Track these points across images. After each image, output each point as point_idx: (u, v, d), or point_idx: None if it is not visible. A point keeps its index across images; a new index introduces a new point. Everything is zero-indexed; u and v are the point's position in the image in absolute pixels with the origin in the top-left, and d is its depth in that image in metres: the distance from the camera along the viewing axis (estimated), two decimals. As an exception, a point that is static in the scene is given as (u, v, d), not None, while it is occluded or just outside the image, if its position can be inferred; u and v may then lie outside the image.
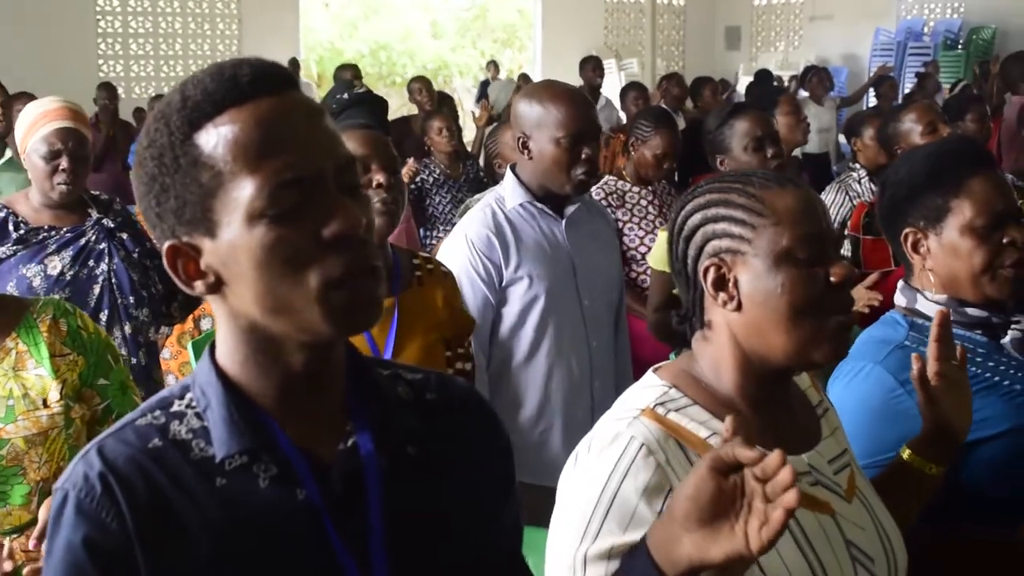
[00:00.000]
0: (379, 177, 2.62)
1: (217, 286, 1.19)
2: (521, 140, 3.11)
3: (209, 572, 1.16)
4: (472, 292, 3.06)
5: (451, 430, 1.36)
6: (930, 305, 2.11)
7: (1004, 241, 2.06)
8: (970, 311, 2.10)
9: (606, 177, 4.80)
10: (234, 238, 1.15)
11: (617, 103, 10.23)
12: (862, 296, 3.73)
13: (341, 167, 1.19)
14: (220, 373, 1.24)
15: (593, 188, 4.73)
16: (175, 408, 1.24)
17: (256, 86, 1.16)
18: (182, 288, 1.21)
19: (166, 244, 1.19)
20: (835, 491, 1.61)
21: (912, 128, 4.30)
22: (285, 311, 1.16)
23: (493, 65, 15.40)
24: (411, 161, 6.27)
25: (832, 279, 1.54)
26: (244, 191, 1.14)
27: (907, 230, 2.14)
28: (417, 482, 1.28)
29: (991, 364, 2.06)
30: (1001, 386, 2.04)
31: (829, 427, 1.72)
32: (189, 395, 1.25)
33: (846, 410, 2.00)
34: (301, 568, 1.18)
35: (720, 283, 1.58)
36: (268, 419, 1.22)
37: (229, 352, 1.24)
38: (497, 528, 1.38)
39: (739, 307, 1.57)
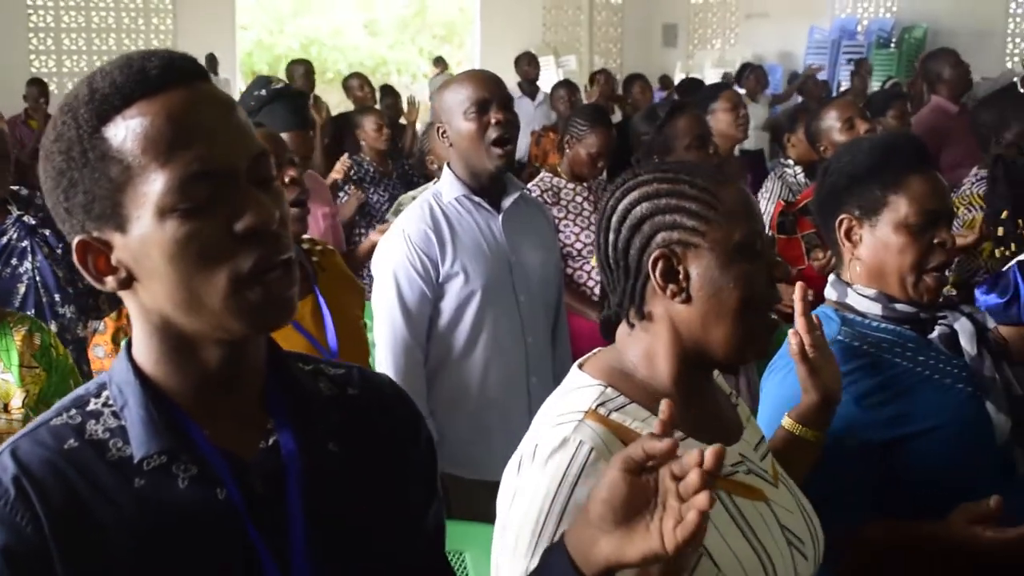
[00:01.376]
0: (287, 173, 2.63)
1: (128, 282, 1.17)
2: (441, 131, 3.13)
3: (128, 575, 1.13)
4: (409, 287, 3.06)
5: (374, 426, 1.34)
6: (860, 299, 2.13)
7: (935, 241, 2.09)
8: (899, 307, 2.12)
9: (541, 173, 4.79)
10: (145, 233, 1.13)
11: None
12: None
13: (253, 160, 1.17)
14: (137, 371, 1.21)
15: (529, 184, 4.72)
16: (91, 407, 1.21)
17: (165, 78, 1.14)
18: (93, 284, 1.18)
19: (75, 239, 1.16)
20: (765, 478, 1.63)
21: (832, 125, 4.39)
22: (197, 307, 1.14)
23: (441, 62, 15.28)
24: (343, 159, 6.23)
25: (774, 275, 1.58)
26: (154, 185, 1.11)
27: (842, 216, 2.16)
28: (339, 480, 1.26)
29: (921, 359, 2.08)
30: (932, 380, 2.06)
31: (744, 414, 1.74)
32: (106, 393, 1.22)
33: (780, 404, 2.03)
34: (222, 569, 1.16)
35: (669, 274, 1.57)
36: (186, 418, 1.20)
37: (144, 349, 1.21)
38: (421, 526, 1.37)
39: (688, 299, 1.57)
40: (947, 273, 2.17)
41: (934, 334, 2.11)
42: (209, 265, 1.12)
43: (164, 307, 1.16)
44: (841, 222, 2.16)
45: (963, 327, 2.10)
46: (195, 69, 1.17)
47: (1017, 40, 15.13)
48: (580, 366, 1.65)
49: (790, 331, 1.86)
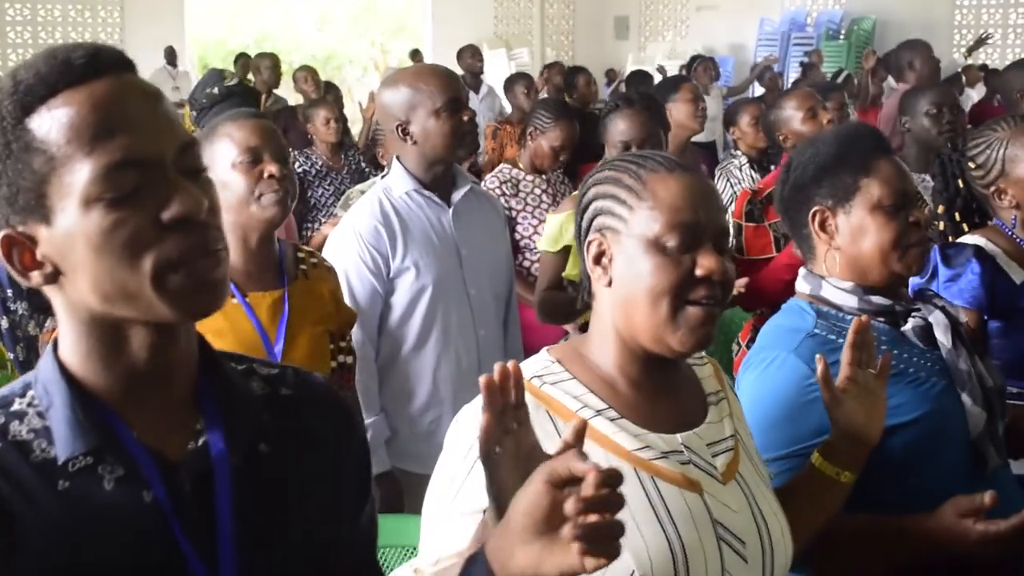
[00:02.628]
0: (271, 168, 2.60)
1: (54, 276, 1.15)
2: (400, 127, 3.10)
3: None
4: (360, 283, 3.05)
5: (307, 427, 1.33)
6: (836, 291, 2.14)
7: (909, 220, 2.11)
8: (874, 299, 2.13)
9: (500, 165, 4.80)
10: (70, 224, 1.11)
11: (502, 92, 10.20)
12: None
13: (181, 149, 1.16)
14: (63, 370, 1.19)
15: (488, 176, 4.72)
16: (15, 407, 1.19)
17: (90, 68, 1.13)
18: (19, 280, 1.17)
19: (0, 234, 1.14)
20: (709, 472, 1.63)
21: (793, 115, 4.42)
22: (123, 297, 1.13)
23: (418, 55, 15.10)
24: (292, 153, 6.20)
25: (698, 271, 1.57)
26: (79, 175, 1.10)
27: (815, 208, 2.16)
28: (270, 481, 1.25)
29: (896, 352, 2.08)
30: (907, 374, 2.07)
31: (719, 414, 1.73)
32: (31, 393, 1.20)
33: (760, 400, 2.04)
34: (149, 572, 1.14)
35: (599, 258, 1.63)
36: (113, 417, 1.18)
37: (71, 347, 1.19)
38: (352, 527, 1.36)
39: (610, 283, 1.61)
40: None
41: (908, 327, 2.12)
42: (136, 254, 1.11)
43: (91, 301, 1.14)
44: (814, 215, 2.17)
45: (938, 320, 2.12)
46: (121, 60, 1.16)
47: (964, 31, 15.31)
48: (548, 349, 1.70)
49: (817, 355, 1.85)
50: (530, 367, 1.63)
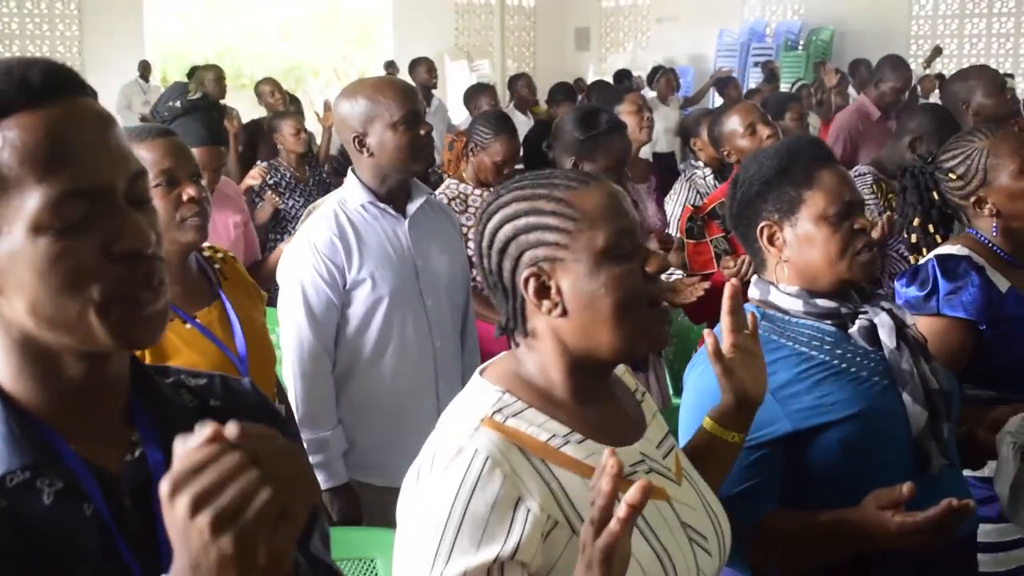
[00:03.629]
0: (189, 191, 2.59)
1: None
2: (357, 139, 3.10)
3: None
4: (316, 295, 3.05)
5: None
6: (782, 296, 2.18)
7: (855, 228, 2.14)
8: (820, 302, 2.16)
9: (448, 181, 4.78)
10: (14, 248, 1.09)
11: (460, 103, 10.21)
12: (680, 286, 3.83)
13: (131, 179, 1.15)
14: None
15: (437, 191, 4.72)
16: None
17: (47, 91, 1.11)
18: None
19: None
20: (667, 476, 1.65)
21: (735, 129, 4.41)
22: (62, 324, 1.12)
23: (392, 66, 14.98)
24: (262, 165, 6.18)
25: (649, 269, 1.58)
26: (29, 200, 1.08)
27: (762, 224, 2.20)
28: None
29: (839, 352, 2.12)
30: (848, 372, 2.10)
31: (650, 411, 1.76)
32: None
33: (700, 399, 2.08)
34: None
35: (542, 291, 1.59)
36: (49, 432, 1.16)
37: (3, 364, 1.17)
38: (303, 539, 1.33)
39: (564, 312, 1.58)
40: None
41: (854, 328, 2.15)
42: (81, 283, 1.10)
43: (26, 322, 1.13)
44: (762, 230, 2.20)
45: (882, 321, 2.14)
46: (77, 82, 1.15)
47: (920, 41, 15.50)
48: (481, 372, 1.67)
49: (704, 331, 1.89)
50: (485, 401, 1.59)
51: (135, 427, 1.22)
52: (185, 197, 2.57)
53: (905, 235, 2.98)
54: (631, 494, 1.27)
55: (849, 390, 2.08)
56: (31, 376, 1.16)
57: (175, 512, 0.96)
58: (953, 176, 2.74)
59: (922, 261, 2.76)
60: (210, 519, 0.94)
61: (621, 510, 1.27)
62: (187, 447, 0.96)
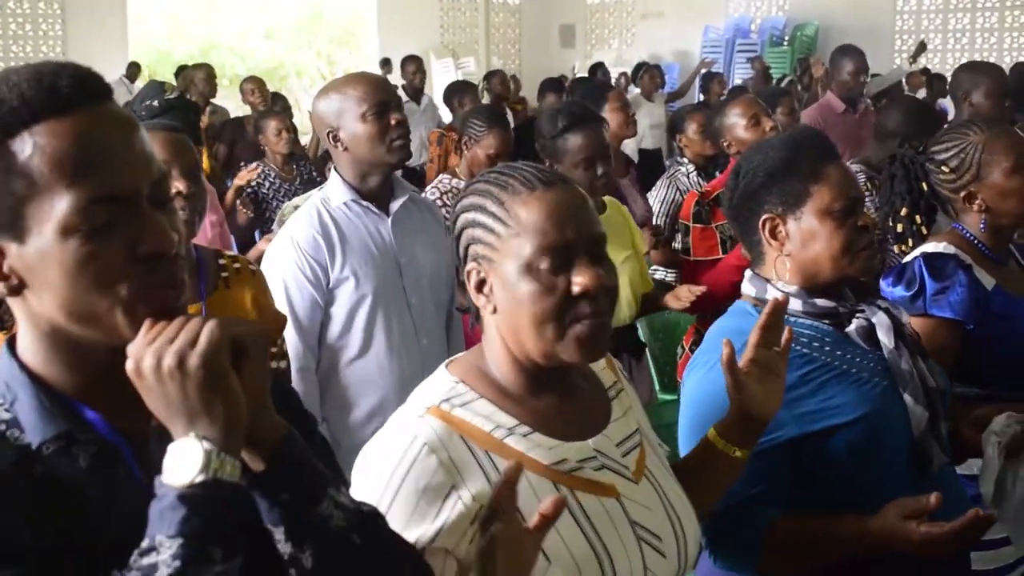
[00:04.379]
0: (179, 185, 2.58)
1: (19, 289, 1.20)
2: (331, 135, 3.11)
3: (38, 557, 1.12)
4: (299, 293, 3.04)
5: None
6: (780, 295, 2.13)
7: (859, 225, 2.13)
8: (818, 302, 2.14)
9: (440, 176, 4.79)
10: (44, 248, 1.16)
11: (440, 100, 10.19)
12: (683, 294, 3.82)
13: (155, 183, 1.21)
14: (23, 367, 1.24)
15: (428, 187, 4.71)
16: None
17: (75, 98, 1.17)
18: None
19: None
20: (622, 473, 1.65)
21: (737, 122, 4.46)
22: (90, 320, 1.18)
23: (387, 64, 14.98)
24: (252, 166, 6.17)
25: (575, 289, 1.55)
26: (59, 204, 1.14)
27: (765, 216, 2.18)
28: None
29: (839, 353, 2.11)
30: (850, 374, 2.09)
31: (621, 408, 1.75)
32: None
33: (698, 401, 2.07)
34: (128, 545, 1.14)
35: (481, 286, 1.62)
36: (79, 404, 1.23)
37: (31, 349, 1.24)
38: None
39: (495, 310, 1.61)
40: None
41: (851, 328, 2.14)
42: (109, 284, 1.17)
43: (55, 316, 1.19)
44: (765, 222, 2.18)
45: (880, 321, 2.13)
46: (103, 88, 1.21)
47: (905, 37, 15.54)
48: (448, 364, 1.70)
49: (723, 340, 1.83)
50: (437, 390, 1.63)
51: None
52: (174, 190, 2.56)
53: (891, 224, 2.97)
54: (544, 505, 1.37)
55: (853, 392, 2.07)
56: (60, 362, 1.24)
57: (144, 375, 1.13)
58: (946, 169, 2.73)
59: (908, 259, 2.75)
60: (172, 360, 1.12)
61: (534, 519, 1.37)
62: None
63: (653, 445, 1.78)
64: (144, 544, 1.09)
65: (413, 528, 1.48)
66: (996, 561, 2.56)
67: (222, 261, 2.80)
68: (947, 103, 10.39)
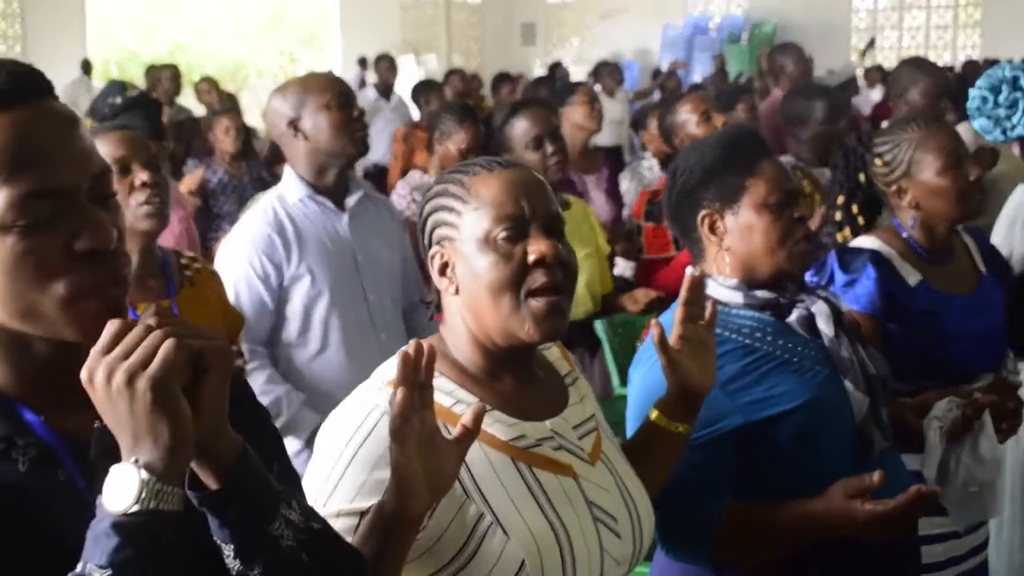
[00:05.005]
0: (142, 176, 2.60)
1: None
2: (292, 124, 3.11)
3: None
4: (248, 292, 3.05)
5: None
6: (721, 289, 2.18)
7: (794, 216, 2.15)
8: (758, 293, 2.17)
9: (410, 172, 4.83)
10: None
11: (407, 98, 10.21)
12: (640, 296, 3.89)
13: (95, 178, 1.19)
14: None
15: (399, 183, 4.75)
16: None
17: (13, 94, 1.15)
18: None
19: None
20: (578, 455, 1.68)
21: (688, 118, 4.48)
22: (31, 316, 1.16)
23: (364, 63, 14.91)
24: (195, 171, 6.17)
25: (530, 257, 1.60)
26: None
27: (703, 212, 2.19)
28: None
29: (781, 343, 2.13)
30: (792, 363, 2.11)
31: (578, 395, 1.79)
32: None
33: (644, 396, 2.06)
34: (69, 549, 1.12)
35: (443, 269, 1.66)
36: (18, 406, 1.20)
37: None
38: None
39: (457, 291, 1.65)
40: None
41: (792, 317, 2.16)
42: (47, 279, 1.14)
43: None
44: (703, 219, 2.19)
45: (820, 310, 2.16)
46: (42, 85, 1.19)
47: (861, 34, 15.71)
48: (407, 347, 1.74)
49: (651, 321, 1.87)
50: (393, 368, 1.59)
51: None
52: (137, 182, 2.59)
53: (831, 211, 2.99)
54: (466, 416, 1.43)
55: (795, 380, 2.09)
56: (1, 358, 1.21)
57: (96, 388, 1.09)
58: (879, 162, 2.76)
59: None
60: (122, 377, 1.07)
61: (456, 429, 1.43)
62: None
63: (608, 432, 1.81)
64: (77, 569, 1.06)
65: (365, 495, 1.50)
66: (948, 553, 2.59)
67: (183, 260, 2.82)
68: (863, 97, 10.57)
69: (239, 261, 3.06)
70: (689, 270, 2.23)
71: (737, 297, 2.16)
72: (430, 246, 1.69)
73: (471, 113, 4.79)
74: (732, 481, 2.06)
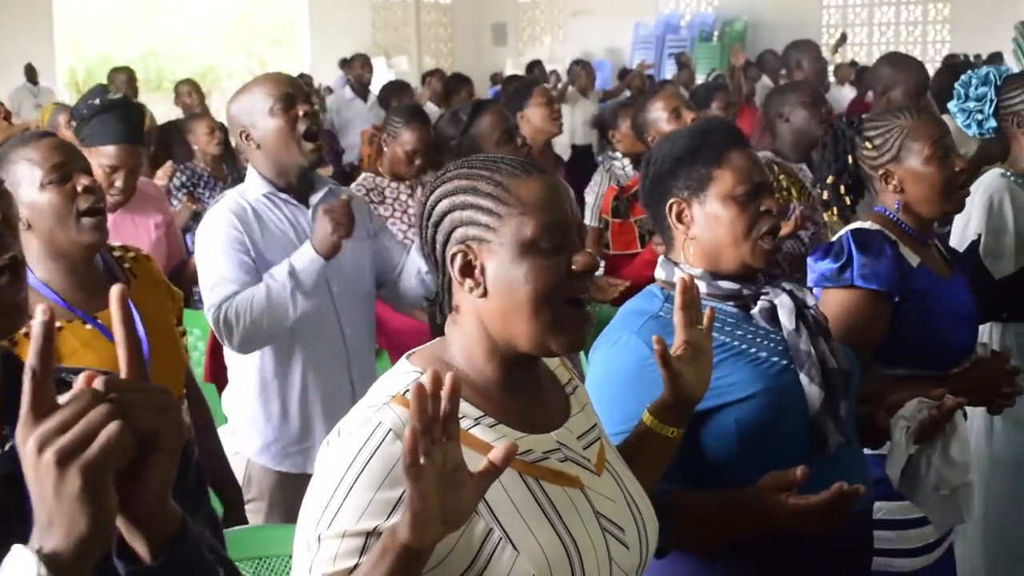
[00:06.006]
0: (84, 180, 2.55)
1: None
2: (244, 134, 3.12)
3: None
4: (233, 254, 3.03)
5: None
6: (686, 276, 2.15)
7: (761, 209, 2.16)
8: (722, 284, 2.18)
9: (364, 174, 4.82)
10: None
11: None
12: (605, 285, 3.89)
13: None
14: None
15: (353, 184, 4.73)
16: None
17: None
18: None
19: None
20: (585, 466, 1.66)
21: (659, 116, 4.54)
22: None
23: (346, 64, 14.79)
24: (167, 164, 6.14)
25: (574, 267, 1.59)
26: None
27: (672, 201, 2.21)
28: None
29: (739, 333, 2.15)
30: (748, 353, 2.13)
31: (579, 403, 1.76)
32: None
33: (603, 378, 2.10)
34: None
35: (467, 270, 1.60)
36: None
37: None
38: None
39: (485, 293, 1.60)
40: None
41: (755, 309, 2.18)
42: None
43: None
44: (671, 207, 2.21)
45: (783, 302, 2.17)
46: None
47: (831, 30, 15.77)
48: (409, 356, 1.68)
49: (653, 337, 1.85)
50: (401, 380, 1.60)
51: (7, 423, 1.21)
52: (80, 188, 2.53)
53: (819, 189, 3.04)
54: (495, 453, 1.34)
55: (748, 371, 2.11)
56: None
57: (25, 454, 0.98)
58: (868, 145, 2.80)
59: (835, 237, 2.81)
60: (54, 454, 0.95)
61: (482, 463, 1.35)
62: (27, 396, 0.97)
63: (607, 439, 1.79)
64: None
65: (372, 515, 1.46)
66: (922, 540, 2.61)
67: (117, 254, 2.78)
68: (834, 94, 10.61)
69: (219, 228, 3.05)
70: (661, 260, 2.25)
71: (701, 287, 2.15)
72: (446, 242, 1.63)
73: (418, 115, 4.78)
74: (676, 466, 2.02)
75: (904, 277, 2.66)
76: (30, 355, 0.97)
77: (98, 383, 0.99)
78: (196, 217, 5.87)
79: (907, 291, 2.66)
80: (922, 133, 2.73)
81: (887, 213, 2.78)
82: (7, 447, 1.21)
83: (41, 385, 0.97)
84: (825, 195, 2.98)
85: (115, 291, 1.01)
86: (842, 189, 2.91)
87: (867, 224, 2.76)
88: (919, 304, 2.66)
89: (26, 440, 0.97)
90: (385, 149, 4.71)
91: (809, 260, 2.78)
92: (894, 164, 2.75)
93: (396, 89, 8.95)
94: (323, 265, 2.98)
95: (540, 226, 1.58)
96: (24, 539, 1.04)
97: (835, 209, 2.95)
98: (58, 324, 2.38)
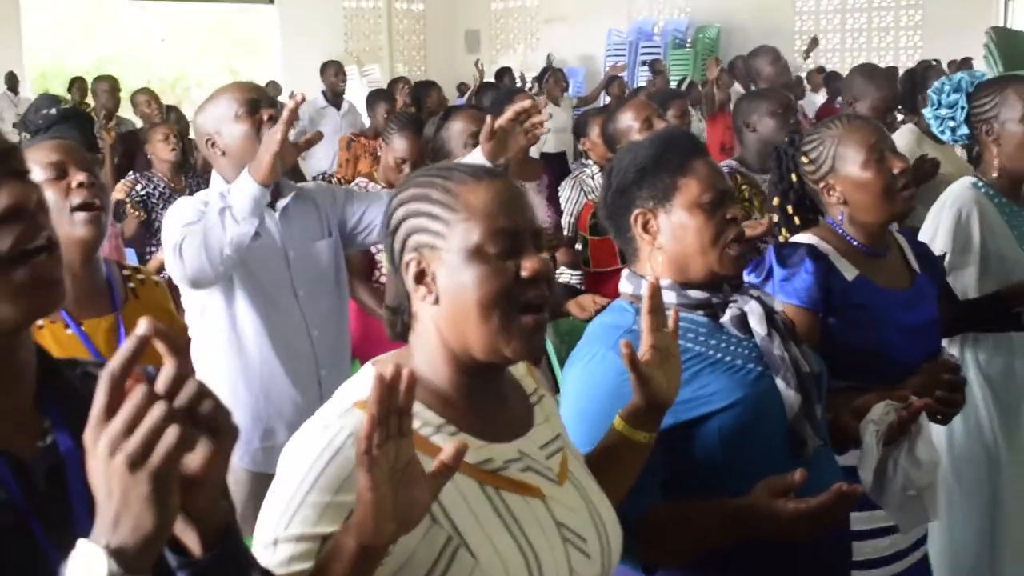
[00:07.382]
0: (79, 177, 2.56)
1: None
2: (210, 142, 3.12)
3: None
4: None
5: None
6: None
7: (727, 217, 2.16)
8: (691, 293, 2.18)
9: (357, 179, 4.81)
10: None
11: (361, 108, 10.15)
12: (586, 303, 3.84)
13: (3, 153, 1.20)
14: None
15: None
16: None
17: None
18: None
19: None
20: (546, 475, 1.65)
21: (631, 125, 4.52)
22: None
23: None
24: (129, 176, 6.11)
25: (523, 273, 1.56)
26: None
27: (637, 211, 2.20)
28: None
29: (713, 342, 2.15)
30: (723, 362, 2.13)
31: (543, 414, 1.76)
32: None
33: (580, 393, 2.09)
34: (9, 568, 1.14)
35: (420, 277, 1.60)
36: None
37: None
38: None
39: (437, 301, 1.59)
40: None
41: (725, 317, 2.17)
42: None
43: None
44: (637, 217, 2.20)
45: (752, 309, 2.17)
46: None
47: (804, 37, 15.80)
48: (375, 362, 1.67)
49: (621, 340, 1.85)
50: (363, 386, 1.58)
51: (45, 415, 1.25)
52: (75, 183, 2.55)
53: (769, 216, 3.03)
54: (445, 452, 1.35)
55: (726, 380, 2.11)
56: None
57: (96, 457, 1.04)
58: (806, 160, 2.78)
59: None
60: (126, 459, 1.02)
61: (434, 464, 1.36)
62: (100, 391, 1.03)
63: (573, 450, 1.79)
64: None
65: (330, 518, 1.46)
66: (891, 548, 2.60)
67: (126, 272, 2.80)
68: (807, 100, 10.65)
69: (186, 207, 3.05)
70: (626, 273, 2.23)
71: (670, 297, 2.16)
72: (403, 251, 1.63)
73: (412, 123, 4.76)
74: (659, 480, 2.06)
75: (833, 292, 2.64)
76: (116, 359, 1.03)
77: (164, 378, 1.05)
78: (151, 228, 5.84)
79: (838, 306, 2.64)
80: (855, 140, 2.70)
81: (834, 225, 2.76)
82: (48, 440, 1.23)
83: (118, 389, 1.03)
84: (775, 217, 2.96)
85: (143, 323, 1.05)
86: (789, 209, 2.89)
87: (805, 237, 2.75)
88: (853, 318, 2.64)
89: (96, 442, 1.03)
90: (382, 157, 4.75)
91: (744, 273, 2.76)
92: (832, 175, 2.73)
93: (382, 97, 8.89)
94: (259, 191, 2.90)
95: (486, 232, 1.57)
96: (71, 533, 1.10)
97: (784, 231, 2.93)
98: (40, 323, 2.38)
